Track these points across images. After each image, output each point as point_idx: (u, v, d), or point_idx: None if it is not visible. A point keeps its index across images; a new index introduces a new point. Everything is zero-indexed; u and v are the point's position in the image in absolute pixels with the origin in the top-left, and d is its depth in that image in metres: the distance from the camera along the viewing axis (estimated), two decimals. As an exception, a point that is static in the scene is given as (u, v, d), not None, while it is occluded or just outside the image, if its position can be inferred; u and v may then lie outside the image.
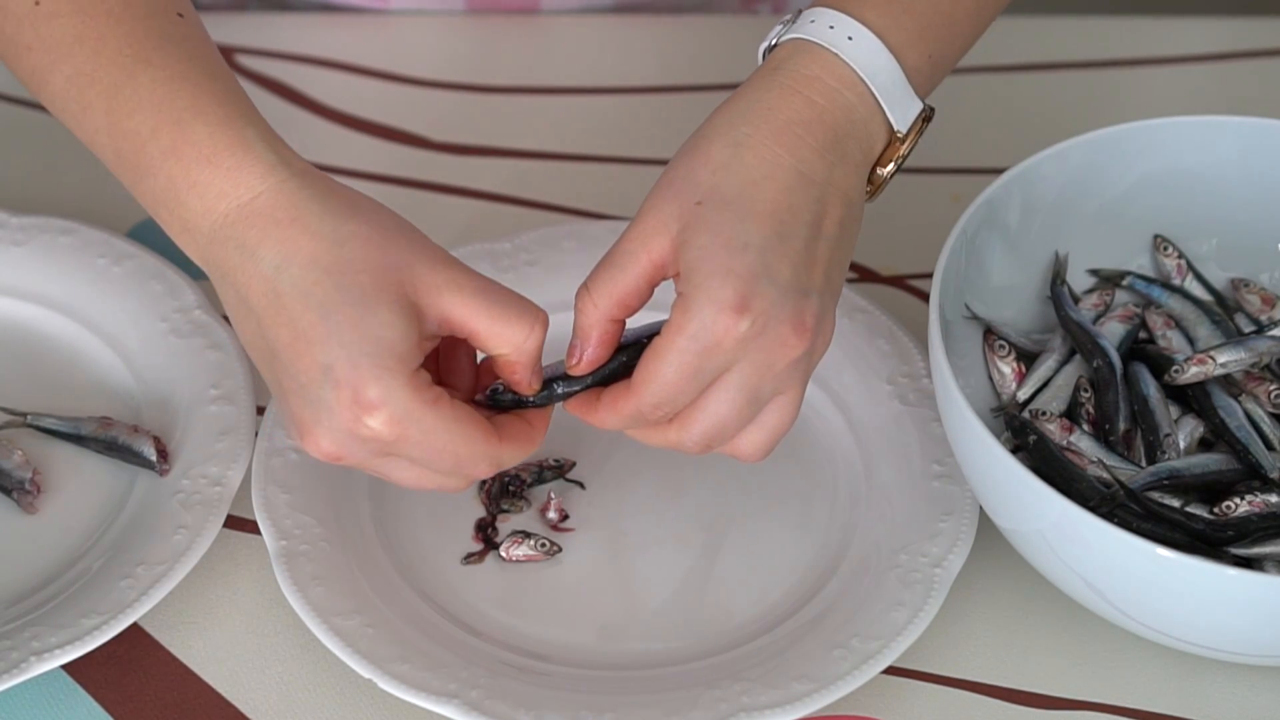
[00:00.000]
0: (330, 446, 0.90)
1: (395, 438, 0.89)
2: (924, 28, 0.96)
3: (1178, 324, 1.09)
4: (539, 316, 0.92)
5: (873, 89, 0.94)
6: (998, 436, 0.96)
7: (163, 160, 0.92)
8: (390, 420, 0.89)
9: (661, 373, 0.91)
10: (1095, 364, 1.06)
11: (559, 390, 0.94)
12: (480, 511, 1.06)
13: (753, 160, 0.92)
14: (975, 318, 1.07)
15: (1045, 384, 1.06)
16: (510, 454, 0.92)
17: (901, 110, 0.95)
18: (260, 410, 1.07)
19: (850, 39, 0.94)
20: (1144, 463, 1.02)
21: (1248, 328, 1.09)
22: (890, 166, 0.96)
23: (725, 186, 0.91)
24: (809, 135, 0.93)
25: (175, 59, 0.94)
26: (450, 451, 0.90)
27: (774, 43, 0.96)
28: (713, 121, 0.94)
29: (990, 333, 1.07)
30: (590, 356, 0.93)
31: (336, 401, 0.89)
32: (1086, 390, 1.05)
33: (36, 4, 0.95)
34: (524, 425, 0.94)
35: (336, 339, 0.88)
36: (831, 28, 0.94)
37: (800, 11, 0.96)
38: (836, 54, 0.94)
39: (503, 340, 0.91)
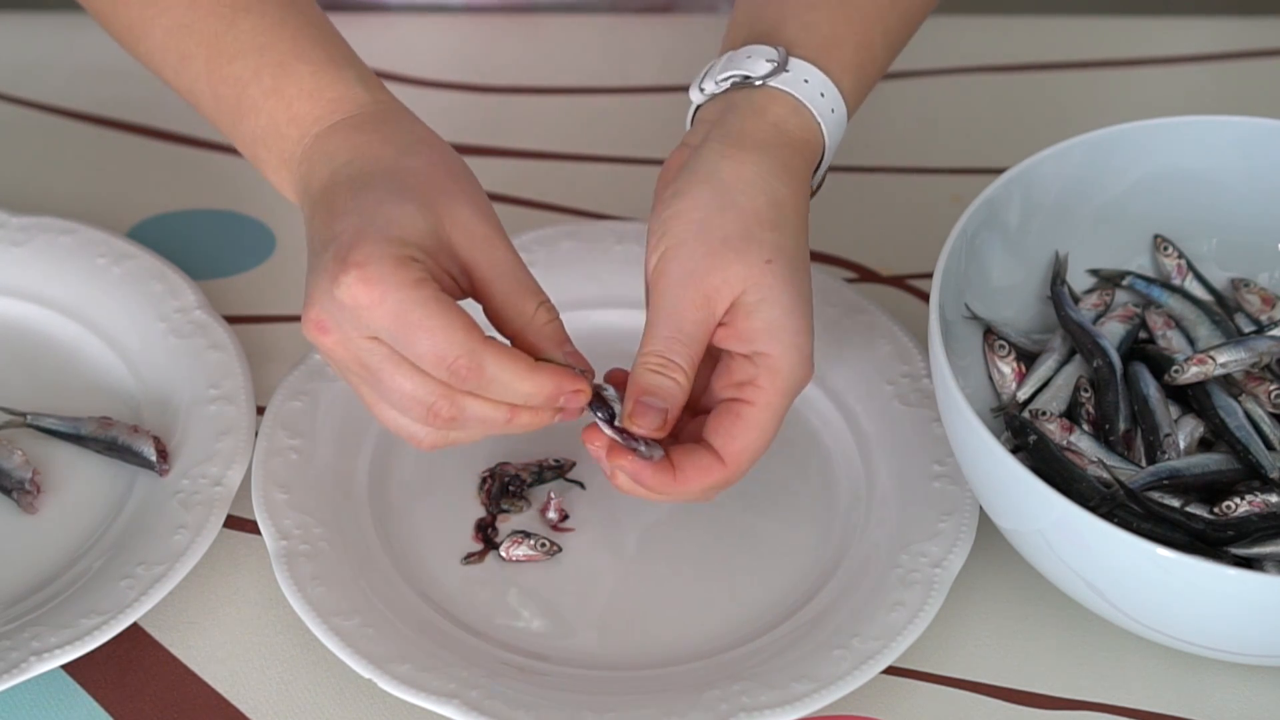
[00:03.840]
0: (317, 311, 0.91)
1: (369, 301, 0.89)
2: (862, 82, 1.01)
3: (1178, 324, 1.09)
4: (546, 302, 0.94)
5: (827, 153, 1.00)
6: (998, 436, 0.96)
7: (264, 99, 0.96)
8: (363, 280, 0.89)
9: (762, 440, 0.95)
10: (1095, 364, 1.06)
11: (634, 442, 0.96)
12: (480, 511, 1.06)
13: (793, 216, 0.97)
14: (975, 318, 1.07)
15: (1045, 384, 1.06)
16: (496, 363, 0.90)
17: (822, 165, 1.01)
18: (260, 410, 1.07)
19: (833, 111, 0.99)
20: (1144, 463, 1.02)
21: (1248, 328, 1.09)
22: None
23: (785, 244, 0.95)
24: (809, 190, 0.99)
25: (274, 5, 0.98)
26: (425, 329, 0.89)
27: (758, 82, 0.98)
28: (739, 172, 0.96)
29: (990, 333, 1.07)
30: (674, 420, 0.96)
31: (330, 261, 0.90)
32: (1086, 390, 1.05)
33: None
34: (521, 356, 0.92)
35: (356, 212, 0.92)
36: (822, 95, 0.98)
37: (785, 54, 0.98)
38: (822, 126, 0.98)
39: (511, 306, 0.93)
